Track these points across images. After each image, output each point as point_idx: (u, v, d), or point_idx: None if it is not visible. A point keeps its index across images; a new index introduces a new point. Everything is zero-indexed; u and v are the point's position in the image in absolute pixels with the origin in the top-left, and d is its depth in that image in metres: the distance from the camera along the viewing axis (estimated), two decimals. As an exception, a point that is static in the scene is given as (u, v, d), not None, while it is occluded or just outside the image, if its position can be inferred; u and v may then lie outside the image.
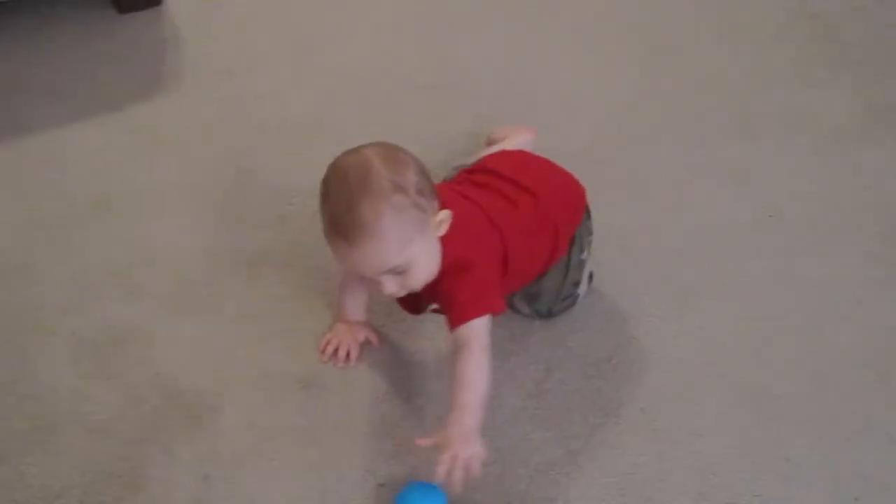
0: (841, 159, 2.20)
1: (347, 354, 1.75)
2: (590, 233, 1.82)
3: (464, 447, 1.45)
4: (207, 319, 1.84)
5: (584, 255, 1.79)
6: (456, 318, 1.54)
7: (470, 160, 1.90)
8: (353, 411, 1.71)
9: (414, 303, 1.66)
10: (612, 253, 1.94)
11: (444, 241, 1.55)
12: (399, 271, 1.50)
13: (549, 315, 1.79)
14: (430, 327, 1.77)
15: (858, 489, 1.61)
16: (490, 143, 2.04)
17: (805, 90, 2.38)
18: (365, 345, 1.78)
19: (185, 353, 1.78)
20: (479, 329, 1.54)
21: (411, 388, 1.74)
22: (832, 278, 1.94)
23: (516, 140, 1.99)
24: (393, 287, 1.53)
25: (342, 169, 1.48)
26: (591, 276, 1.84)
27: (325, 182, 1.50)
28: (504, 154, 1.88)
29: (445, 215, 1.53)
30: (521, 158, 1.86)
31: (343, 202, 1.44)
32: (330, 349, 1.76)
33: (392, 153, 1.50)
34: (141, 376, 1.75)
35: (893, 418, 1.71)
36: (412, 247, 1.48)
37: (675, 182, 2.13)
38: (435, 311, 1.66)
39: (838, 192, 2.12)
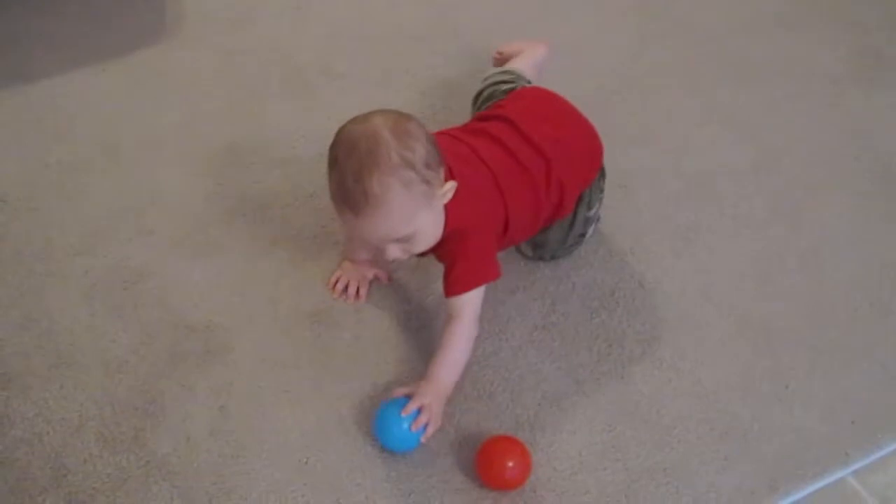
0: (833, 103, 2.25)
1: (357, 291, 1.79)
2: (601, 191, 1.84)
3: (433, 403, 1.54)
4: (217, 259, 1.87)
5: (592, 213, 1.82)
6: (451, 287, 1.60)
7: (503, 77, 1.91)
8: (362, 344, 1.75)
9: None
10: (614, 194, 1.98)
11: (449, 206, 1.57)
12: (404, 241, 1.53)
13: (552, 259, 1.83)
14: (437, 266, 1.80)
15: (854, 414, 1.67)
16: (503, 59, 2.06)
17: (798, 37, 2.43)
18: (373, 282, 1.81)
19: (196, 292, 1.81)
20: (471, 300, 1.60)
21: (419, 322, 1.78)
22: (828, 216, 1.99)
23: (533, 56, 2.01)
24: (396, 253, 1.55)
25: (351, 139, 1.46)
26: (598, 219, 1.87)
27: (333, 149, 1.49)
28: (528, 99, 1.82)
29: (450, 187, 1.53)
30: (544, 107, 1.81)
31: (351, 173, 1.44)
32: (340, 286, 1.79)
33: (401, 124, 1.49)
34: (154, 314, 1.78)
35: (888, 348, 1.77)
36: (417, 219, 1.49)
37: (673, 127, 2.17)
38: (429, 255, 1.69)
39: (832, 136, 2.17)
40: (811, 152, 2.12)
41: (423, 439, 1.55)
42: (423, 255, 1.63)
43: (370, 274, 1.80)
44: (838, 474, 1.59)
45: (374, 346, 1.74)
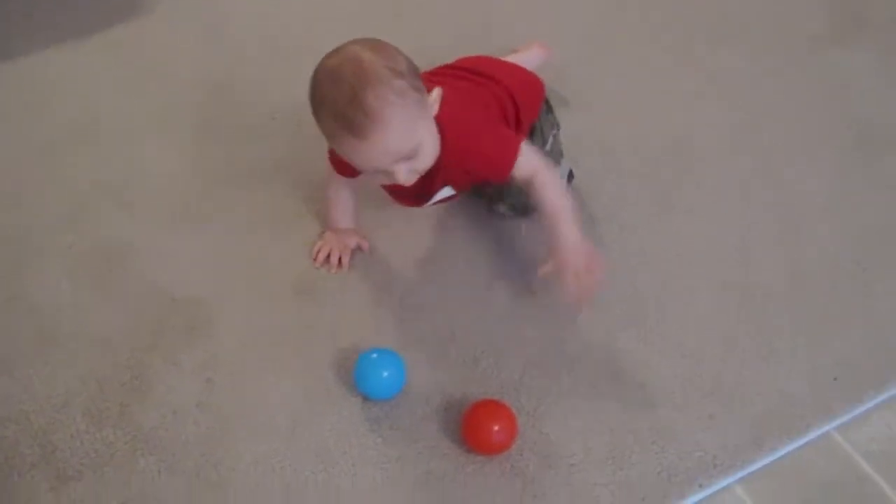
0: (814, 65, 2.25)
1: (339, 260, 1.79)
2: (553, 126, 1.86)
3: (579, 258, 1.55)
4: (199, 232, 1.87)
5: (548, 148, 1.82)
6: (502, 169, 1.58)
7: None
8: (347, 314, 1.75)
9: (422, 191, 1.66)
10: (593, 158, 1.99)
11: (445, 117, 1.54)
12: (410, 156, 1.49)
13: (524, 211, 1.82)
14: (419, 230, 1.81)
15: (836, 371, 1.68)
16: None
17: (779, -3, 2.42)
18: (356, 251, 1.82)
19: (180, 266, 1.81)
20: (528, 159, 1.59)
21: (402, 290, 1.78)
22: (809, 178, 1.99)
23: (525, 55, 2.04)
24: (405, 174, 1.51)
25: (332, 69, 1.45)
26: (571, 175, 1.88)
27: (316, 87, 1.47)
28: (463, 58, 1.90)
29: (437, 93, 1.52)
30: (478, 58, 1.90)
31: (344, 98, 1.41)
32: (321, 256, 1.80)
33: (376, 43, 1.49)
34: (138, 289, 1.78)
35: (868, 307, 1.77)
36: (417, 129, 1.47)
37: (654, 91, 2.17)
38: (439, 202, 1.71)
39: (813, 97, 2.17)
40: (791, 114, 2.12)
41: (396, 393, 1.59)
42: (435, 186, 1.63)
43: (352, 243, 1.80)
44: (822, 430, 1.61)
45: (359, 315, 1.74)
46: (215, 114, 2.08)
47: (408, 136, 1.46)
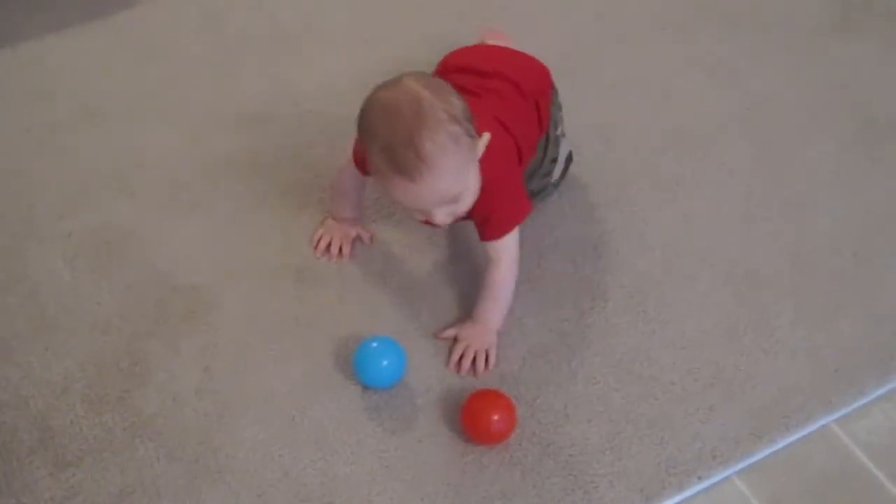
0: (816, 52, 2.24)
1: (340, 249, 1.78)
2: (559, 108, 1.84)
3: (478, 340, 1.62)
4: (201, 218, 1.86)
5: (559, 132, 1.82)
6: (490, 233, 1.60)
7: None
8: (347, 302, 1.75)
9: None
10: (597, 145, 1.98)
11: (483, 157, 1.52)
12: (454, 201, 1.48)
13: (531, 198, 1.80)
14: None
15: (837, 362, 1.67)
16: None
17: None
18: (356, 240, 1.81)
19: (180, 252, 1.81)
20: (510, 243, 1.61)
21: (402, 279, 1.78)
22: (811, 166, 1.98)
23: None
24: (443, 216, 1.51)
25: (390, 104, 1.41)
26: (570, 157, 1.86)
27: (368, 119, 1.44)
28: (463, 51, 1.85)
29: (486, 139, 1.49)
30: (482, 51, 1.88)
31: (401, 138, 1.39)
32: (322, 245, 1.78)
33: (434, 81, 1.46)
34: (139, 275, 1.78)
35: (870, 296, 1.77)
36: (467, 175, 1.46)
37: (656, 77, 2.16)
38: (457, 221, 1.65)
39: (815, 85, 2.16)
40: (794, 101, 2.11)
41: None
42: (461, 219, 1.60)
43: (353, 232, 1.79)
44: (822, 422, 1.60)
45: (359, 303, 1.74)
46: (217, 100, 2.08)
47: (456, 183, 1.45)
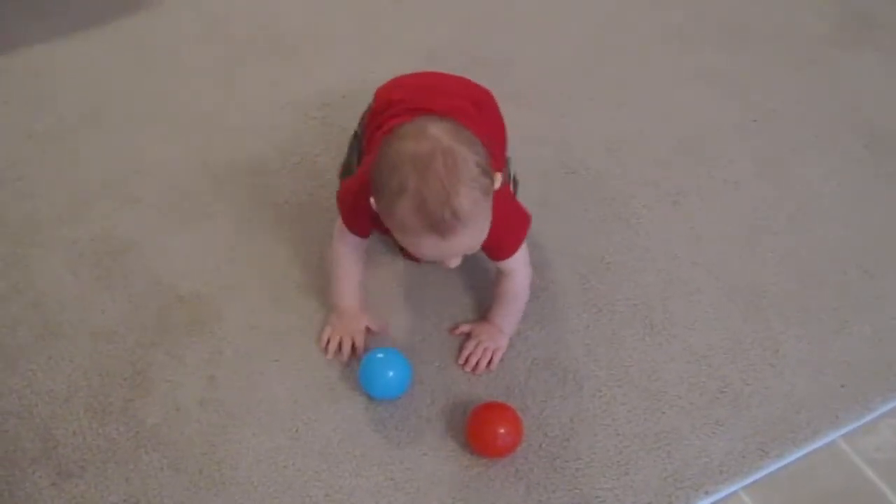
0: (822, 66, 2.24)
1: (353, 347, 1.65)
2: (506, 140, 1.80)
3: (490, 339, 1.62)
4: (205, 227, 1.85)
5: (510, 154, 1.78)
6: (501, 255, 1.59)
7: None
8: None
9: None
10: (602, 158, 1.98)
11: None
12: (476, 247, 1.44)
13: None
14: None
15: (844, 377, 1.67)
16: None
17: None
18: (367, 333, 1.67)
19: (184, 261, 1.80)
20: (521, 254, 1.60)
21: (407, 287, 1.77)
22: (816, 179, 1.98)
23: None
24: (458, 261, 1.46)
25: (421, 157, 1.33)
26: (516, 180, 1.79)
27: (397, 173, 1.34)
28: (402, 83, 1.74)
29: (499, 179, 1.43)
30: (431, 74, 1.78)
31: (436, 195, 1.32)
32: (333, 346, 1.65)
33: (458, 128, 1.38)
34: (142, 284, 1.77)
35: (877, 311, 1.77)
36: (487, 222, 1.41)
37: (660, 89, 2.16)
38: None
39: (819, 97, 2.16)
40: (799, 114, 2.11)
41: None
42: None
43: (362, 325, 1.65)
44: (828, 437, 1.60)
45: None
46: (220, 107, 2.07)
47: (483, 234, 1.42)
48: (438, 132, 1.36)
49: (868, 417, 1.62)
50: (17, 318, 1.71)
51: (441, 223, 1.33)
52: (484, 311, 1.70)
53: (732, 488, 1.54)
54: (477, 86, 1.76)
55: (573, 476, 1.53)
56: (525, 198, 1.72)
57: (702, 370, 1.66)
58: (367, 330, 1.67)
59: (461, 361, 1.63)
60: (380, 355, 1.58)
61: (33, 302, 1.73)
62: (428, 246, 1.39)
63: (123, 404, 1.60)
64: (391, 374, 1.57)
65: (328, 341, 1.66)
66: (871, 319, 1.75)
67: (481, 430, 1.53)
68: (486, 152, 1.39)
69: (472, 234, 1.39)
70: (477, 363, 1.62)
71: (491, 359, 1.63)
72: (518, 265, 1.61)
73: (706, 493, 1.52)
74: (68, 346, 1.68)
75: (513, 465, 1.54)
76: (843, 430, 1.61)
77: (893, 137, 2.06)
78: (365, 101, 1.74)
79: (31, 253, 1.81)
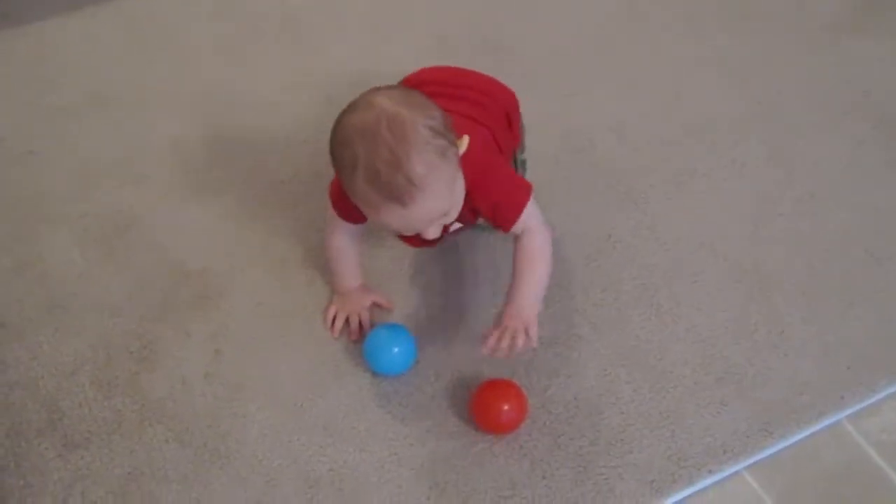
0: (830, 50, 2.22)
1: (360, 324, 1.65)
2: (525, 131, 1.78)
3: (513, 319, 1.47)
4: (211, 204, 1.86)
5: (524, 156, 1.78)
6: (508, 219, 1.49)
7: None
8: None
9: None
10: (609, 141, 1.97)
11: (464, 158, 1.42)
12: (445, 214, 1.40)
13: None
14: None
15: (849, 359, 1.67)
16: None
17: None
18: (372, 308, 1.68)
19: (191, 238, 1.81)
20: (532, 213, 1.50)
21: (414, 266, 1.78)
22: (824, 163, 1.97)
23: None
24: (435, 231, 1.42)
25: (367, 128, 1.30)
26: (524, 165, 1.80)
27: (346, 147, 1.33)
28: (432, 70, 1.74)
29: (466, 142, 1.41)
30: (452, 69, 1.76)
31: (386, 164, 1.29)
32: (339, 324, 1.65)
33: (407, 94, 1.36)
34: (149, 259, 1.78)
35: (883, 293, 1.76)
36: (455, 186, 1.38)
37: (668, 72, 2.15)
38: (455, 232, 1.60)
39: (828, 82, 2.15)
40: (807, 98, 2.10)
41: (406, 368, 1.59)
42: (448, 227, 1.51)
43: (367, 301, 1.66)
44: (833, 418, 1.60)
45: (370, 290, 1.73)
46: (228, 85, 2.08)
47: (449, 198, 1.37)
48: (383, 100, 1.32)
49: (873, 399, 1.62)
50: (25, 291, 1.72)
51: (397, 191, 1.30)
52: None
53: (736, 468, 1.54)
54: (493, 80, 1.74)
55: (577, 454, 1.54)
56: (532, 177, 1.71)
57: (707, 350, 1.66)
58: (374, 305, 1.67)
59: (487, 352, 1.47)
60: (384, 331, 1.58)
61: (41, 276, 1.75)
62: (393, 217, 1.35)
63: (129, 377, 1.61)
64: (396, 349, 1.58)
65: (334, 319, 1.66)
66: (877, 301, 1.74)
67: (486, 406, 1.54)
68: (442, 115, 1.35)
69: (436, 198, 1.34)
70: (512, 345, 1.46)
71: (527, 334, 1.47)
72: (529, 226, 1.50)
73: (709, 472, 1.52)
74: (75, 319, 1.68)
75: (517, 442, 1.54)
76: (848, 412, 1.61)
77: (902, 122, 2.06)
78: (374, 82, 1.73)
79: (38, 228, 1.82)
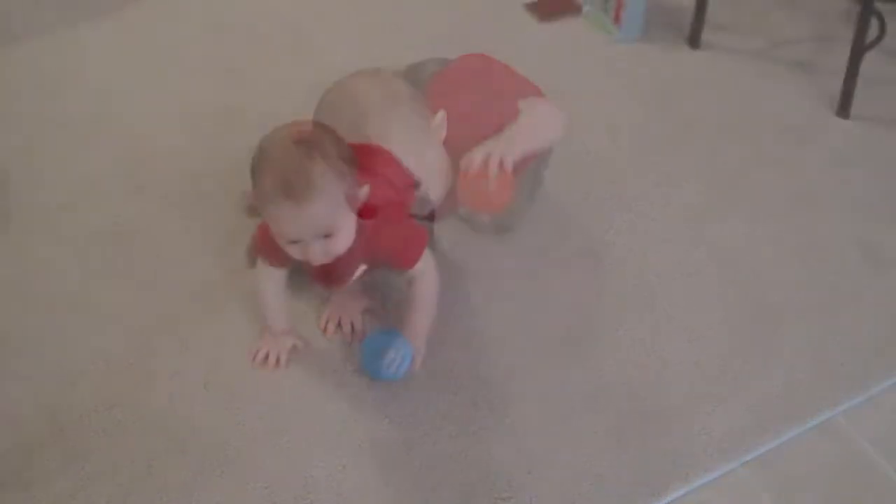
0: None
1: (278, 359, 1.71)
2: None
3: (419, 348, 1.64)
4: (210, 214, 1.88)
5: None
6: (406, 263, 1.63)
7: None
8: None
9: (343, 272, 1.64)
10: (603, 142, 1.99)
11: (365, 210, 1.56)
12: (328, 234, 1.49)
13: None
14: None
15: (844, 356, 1.69)
16: None
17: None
18: (292, 351, 1.72)
19: (189, 248, 1.83)
20: (425, 260, 1.64)
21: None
22: (818, 161, 1.99)
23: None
24: (320, 254, 1.51)
25: (282, 142, 1.49)
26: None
27: (263, 156, 1.50)
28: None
29: (366, 191, 1.54)
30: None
31: (292, 166, 1.45)
32: (260, 356, 1.70)
33: (322, 127, 1.54)
34: (148, 269, 1.79)
35: (877, 291, 1.79)
36: (342, 213, 1.50)
37: (659, 72, 2.17)
38: (362, 275, 1.68)
39: (818, 85, 2.15)
40: (799, 96, 2.11)
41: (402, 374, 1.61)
42: (353, 267, 1.64)
43: (289, 343, 1.72)
44: (828, 415, 1.60)
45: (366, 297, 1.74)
46: (227, 98, 2.10)
47: (333, 211, 1.49)
48: (301, 128, 1.50)
49: (867, 395, 1.63)
50: (24, 303, 1.74)
51: (292, 188, 1.44)
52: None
53: (732, 465, 1.54)
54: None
55: (573, 453, 1.54)
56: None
57: (702, 349, 1.67)
58: (294, 349, 1.71)
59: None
60: (381, 337, 1.60)
61: (41, 287, 1.76)
62: (287, 218, 1.47)
63: (129, 388, 1.62)
64: (392, 355, 1.58)
65: (257, 352, 1.70)
66: (871, 299, 1.76)
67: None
68: (350, 154, 1.52)
69: (327, 207, 1.46)
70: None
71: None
72: (424, 268, 1.65)
73: (706, 469, 1.53)
74: (75, 330, 1.70)
75: (514, 442, 1.55)
76: (843, 408, 1.61)
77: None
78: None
79: (38, 240, 1.84)
